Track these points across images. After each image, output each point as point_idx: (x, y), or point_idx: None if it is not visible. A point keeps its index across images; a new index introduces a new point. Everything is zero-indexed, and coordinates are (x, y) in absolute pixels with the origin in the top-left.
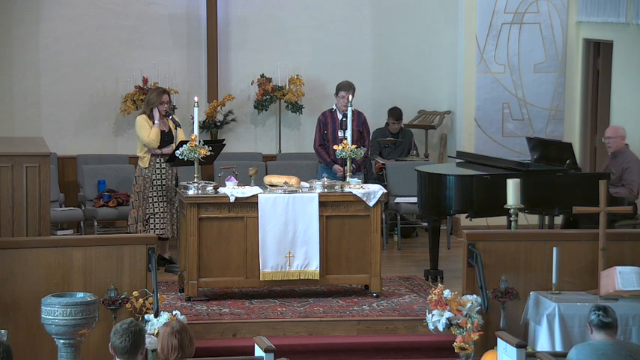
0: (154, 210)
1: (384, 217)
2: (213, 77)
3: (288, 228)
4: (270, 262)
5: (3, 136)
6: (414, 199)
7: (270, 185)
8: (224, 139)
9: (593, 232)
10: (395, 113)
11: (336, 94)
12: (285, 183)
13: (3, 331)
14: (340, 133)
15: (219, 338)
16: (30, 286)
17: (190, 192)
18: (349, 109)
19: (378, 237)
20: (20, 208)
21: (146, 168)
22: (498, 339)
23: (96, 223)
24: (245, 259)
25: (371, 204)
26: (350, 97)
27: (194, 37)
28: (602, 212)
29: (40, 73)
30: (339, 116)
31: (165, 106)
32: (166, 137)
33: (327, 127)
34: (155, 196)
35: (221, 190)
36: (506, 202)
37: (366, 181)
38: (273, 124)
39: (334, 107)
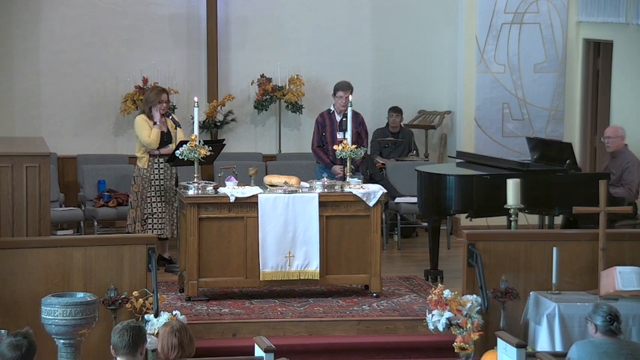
0: (152, 210)
1: (384, 217)
2: (213, 77)
3: (288, 228)
4: (270, 262)
5: (3, 136)
6: (414, 199)
7: (270, 185)
8: (224, 139)
9: (593, 232)
10: (394, 107)
11: (334, 94)
12: (285, 183)
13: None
14: (340, 135)
15: (219, 338)
16: (30, 286)
17: (190, 192)
18: (349, 109)
19: (378, 237)
20: (20, 208)
21: (144, 168)
22: (498, 339)
23: (96, 223)
24: (245, 259)
25: (371, 204)
26: (350, 96)
27: (194, 37)
28: (602, 212)
29: (40, 73)
30: (337, 117)
31: (164, 105)
32: (165, 138)
33: (326, 129)
34: (153, 197)
35: (221, 190)
36: (506, 202)
37: (370, 182)
38: (273, 124)
39: (332, 108)
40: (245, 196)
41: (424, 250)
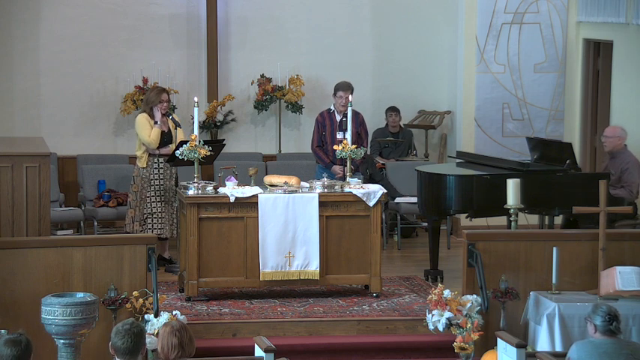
0: (151, 210)
1: (384, 217)
2: (213, 77)
3: (288, 228)
4: (270, 262)
5: (3, 136)
6: (414, 199)
7: (270, 185)
8: (224, 139)
9: (593, 232)
10: (392, 107)
11: (334, 94)
12: (285, 183)
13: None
14: (339, 135)
15: (219, 338)
16: (30, 286)
17: (190, 192)
18: (349, 109)
19: (378, 237)
20: (20, 208)
21: (144, 168)
22: (498, 339)
23: (96, 223)
24: (245, 259)
25: (371, 204)
26: (350, 97)
27: (194, 37)
28: (602, 212)
29: (40, 73)
30: (337, 117)
31: (165, 104)
32: (165, 138)
33: (326, 129)
34: (153, 196)
35: (221, 190)
36: (506, 202)
37: (370, 182)
38: (273, 124)
39: (332, 108)
40: (245, 196)
41: (424, 250)
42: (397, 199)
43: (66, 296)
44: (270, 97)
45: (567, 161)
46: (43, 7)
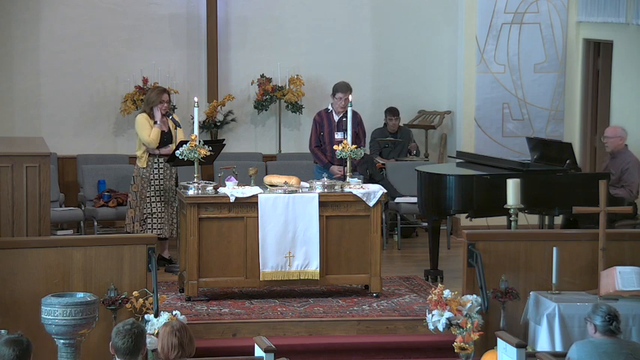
0: (151, 210)
1: (384, 217)
2: (213, 77)
3: (288, 228)
4: (270, 262)
5: (3, 136)
6: (414, 199)
7: (270, 185)
8: (224, 139)
9: (593, 232)
10: (392, 110)
11: (333, 95)
12: (285, 183)
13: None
14: (339, 135)
15: (219, 338)
16: (30, 286)
17: (190, 192)
18: (349, 109)
19: (378, 237)
20: (20, 208)
21: (144, 168)
22: (498, 339)
23: (96, 223)
24: (245, 259)
25: (371, 204)
26: (349, 97)
27: (194, 37)
28: (602, 212)
29: (40, 73)
30: (335, 117)
31: (165, 105)
32: (165, 138)
33: (324, 129)
34: (153, 196)
35: (221, 190)
36: (506, 202)
37: (370, 182)
38: (273, 124)
39: (330, 108)
40: (245, 196)
41: (424, 250)
42: (397, 199)
43: (66, 296)
44: (270, 97)
45: (567, 161)
46: (43, 7)
